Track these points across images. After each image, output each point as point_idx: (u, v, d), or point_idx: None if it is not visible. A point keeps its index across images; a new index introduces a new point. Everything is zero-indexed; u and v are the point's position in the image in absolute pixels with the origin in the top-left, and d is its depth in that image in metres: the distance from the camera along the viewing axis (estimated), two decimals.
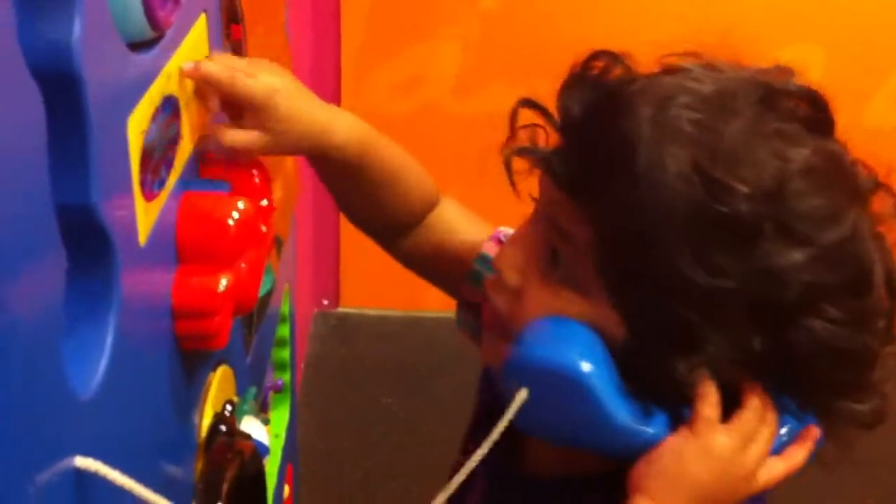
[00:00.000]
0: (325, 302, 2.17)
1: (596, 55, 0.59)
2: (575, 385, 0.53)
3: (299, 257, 1.81)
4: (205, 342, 0.54)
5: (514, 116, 0.61)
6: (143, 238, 0.47)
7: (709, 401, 0.53)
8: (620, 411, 0.53)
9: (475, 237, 0.73)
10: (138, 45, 0.47)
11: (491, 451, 0.61)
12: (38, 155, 0.35)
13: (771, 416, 0.55)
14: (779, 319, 0.52)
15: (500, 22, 1.90)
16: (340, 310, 2.18)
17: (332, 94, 1.96)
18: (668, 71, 0.57)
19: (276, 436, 1.08)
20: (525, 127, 0.60)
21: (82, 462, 0.39)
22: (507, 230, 0.70)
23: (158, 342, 0.51)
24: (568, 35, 1.79)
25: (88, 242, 0.41)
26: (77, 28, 0.38)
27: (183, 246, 0.53)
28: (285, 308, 1.04)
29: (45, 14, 0.38)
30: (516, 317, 0.57)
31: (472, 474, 0.69)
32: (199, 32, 0.57)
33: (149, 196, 0.48)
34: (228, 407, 0.61)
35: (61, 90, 0.38)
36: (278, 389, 1.05)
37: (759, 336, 0.52)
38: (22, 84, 0.34)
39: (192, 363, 0.59)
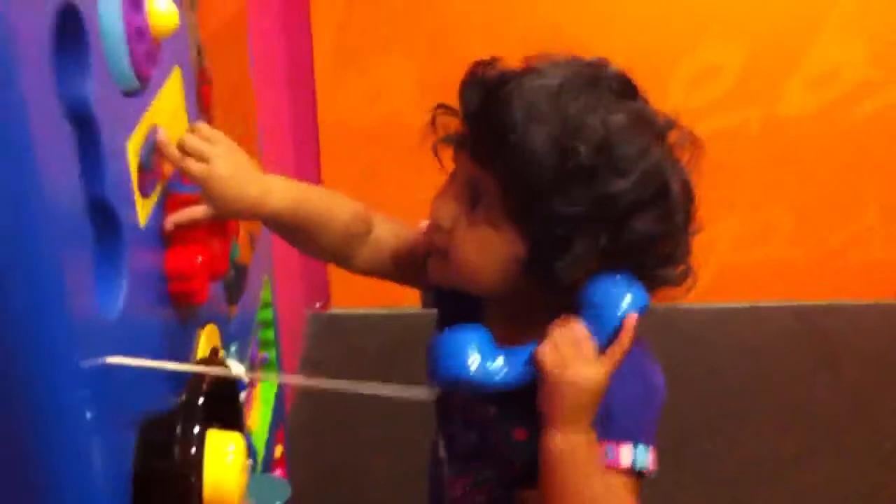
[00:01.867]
0: (318, 304, 2.41)
1: (479, 63, 0.84)
2: (467, 386, 0.80)
3: (290, 266, 2.04)
4: (190, 297, 0.77)
5: (434, 117, 0.86)
6: (142, 222, 0.70)
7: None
8: (499, 379, 0.79)
9: (414, 238, 0.95)
10: (131, 92, 0.70)
11: None
12: (73, 168, 0.58)
13: (559, 332, 0.79)
14: (615, 224, 0.78)
15: (448, 39, 2.14)
16: (332, 311, 2.41)
17: (308, 108, 2.20)
18: (528, 70, 0.81)
19: (266, 401, 1.31)
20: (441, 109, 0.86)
21: (112, 359, 0.62)
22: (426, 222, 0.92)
23: (159, 293, 0.74)
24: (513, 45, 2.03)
25: (106, 223, 0.64)
26: (91, 87, 0.61)
27: (171, 230, 0.76)
28: (267, 295, 1.27)
29: (71, 78, 0.60)
30: (451, 248, 0.82)
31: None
32: (174, 80, 0.80)
33: (145, 194, 0.71)
34: (214, 349, 0.83)
35: (84, 127, 0.60)
36: (265, 362, 1.27)
37: (604, 235, 0.78)
38: (59, 124, 0.57)
39: (186, 318, 0.81)
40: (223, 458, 0.68)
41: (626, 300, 0.78)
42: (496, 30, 2.13)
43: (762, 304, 2.46)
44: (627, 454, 0.82)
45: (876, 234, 2.41)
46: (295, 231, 0.89)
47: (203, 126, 0.82)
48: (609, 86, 0.80)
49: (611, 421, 0.81)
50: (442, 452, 0.99)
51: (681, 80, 2.15)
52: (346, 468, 1.90)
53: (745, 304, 2.45)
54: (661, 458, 0.85)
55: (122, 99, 0.67)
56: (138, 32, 0.66)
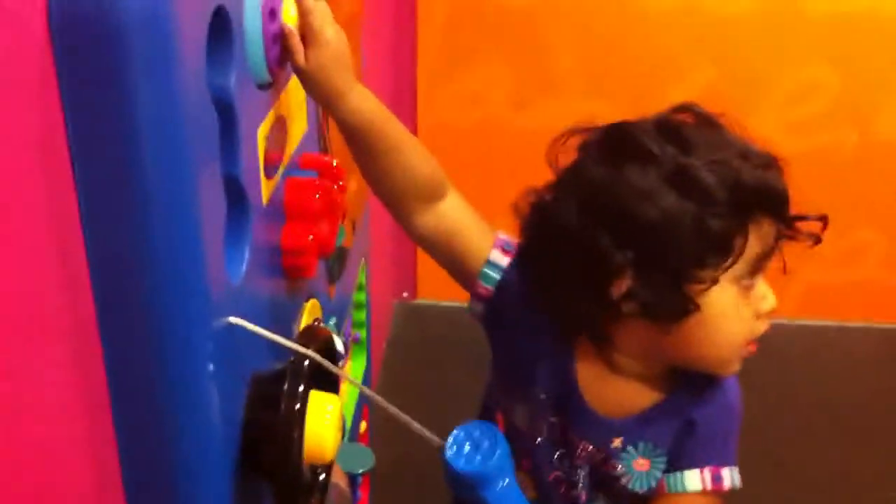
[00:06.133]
0: (405, 294, 2.50)
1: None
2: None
3: (383, 255, 2.13)
4: (301, 272, 0.85)
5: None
6: (265, 200, 0.78)
7: None
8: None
9: (481, 238, 0.94)
10: (264, 86, 0.79)
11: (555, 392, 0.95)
12: (214, 148, 0.67)
13: None
14: None
15: (547, 46, 2.20)
16: (418, 301, 2.51)
17: (409, 109, 2.29)
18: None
19: (354, 378, 1.39)
20: None
21: (234, 320, 0.70)
22: (504, 235, 0.95)
23: (274, 265, 0.83)
24: (604, 56, 2.09)
25: (237, 198, 0.72)
26: (233, 79, 0.70)
27: (288, 209, 0.84)
28: (362, 278, 1.35)
29: (218, 71, 0.69)
30: None
31: (543, 411, 0.98)
32: None
33: (269, 176, 0.79)
34: (317, 319, 0.92)
35: (225, 112, 0.69)
36: (357, 341, 1.36)
37: None
38: (208, 109, 0.65)
39: (294, 290, 0.90)
40: (323, 415, 0.76)
41: None
42: (592, 38, 2.18)
43: (849, 324, 2.45)
44: (728, 477, 0.92)
45: None
46: (367, 145, 0.86)
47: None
48: None
49: (711, 448, 0.92)
50: (532, 493, 1.02)
51: (778, 98, 2.17)
52: (424, 449, 1.98)
53: (832, 322, 2.45)
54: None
55: (255, 91, 0.76)
56: (274, 36, 0.75)
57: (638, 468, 0.95)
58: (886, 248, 2.36)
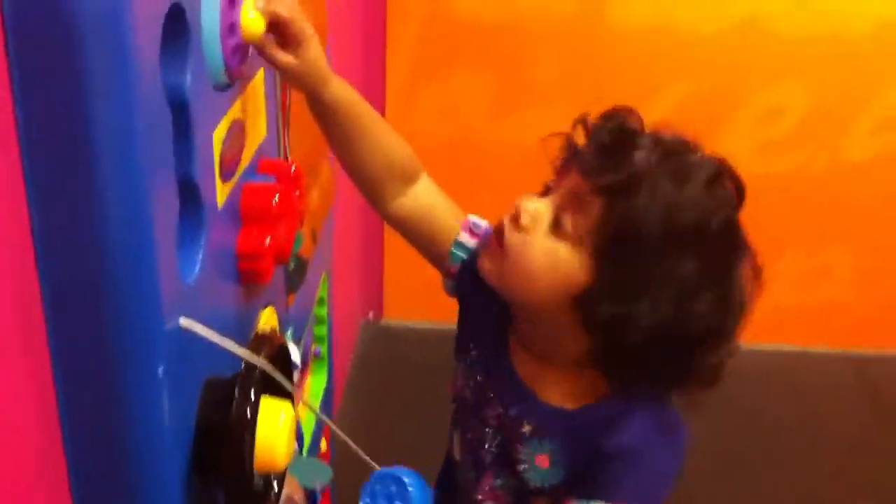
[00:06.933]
0: (371, 314, 2.49)
1: (622, 107, 0.87)
2: None
3: (348, 274, 2.12)
4: (256, 277, 0.85)
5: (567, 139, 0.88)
6: (220, 204, 0.78)
7: None
8: None
9: (452, 220, 0.98)
10: (221, 87, 0.78)
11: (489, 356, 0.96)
12: (168, 146, 0.66)
13: None
14: (679, 301, 0.80)
15: (522, 59, 2.22)
16: (384, 322, 2.50)
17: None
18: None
19: (315, 395, 1.38)
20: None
21: (185, 321, 0.69)
22: (475, 218, 0.98)
23: (230, 268, 0.82)
24: (580, 70, 2.11)
25: (190, 199, 0.71)
26: (188, 78, 0.69)
27: (245, 213, 0.83)
28: (323, 292, 1.34)
29: (173, 69, 0.68)
30: (521, 245, 0.84)
31: (473, 369, 0.98)
32: (258, 79, 0.88)
33: (225, 179, 0.79)
34: (272, 328, 0.91)
35: (180, 112, 0.68)
36: (317, 356, 1.35)
37: (669, 308, 0.80)
38: (162, 107, 0.65)
39: (250, 297, 0.89)
40: (275, 421, 0.75)
41: None
42: (568, 53, 2.20)
43: (813, 349, 2.47)
44: None
45: None
46: (348, 128, 0.91)
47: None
48: (721, 186, 0.84)
49: (624, 484, 0.86)
50: (458, 454, 1.03)
51: (748, 116, 2.20)
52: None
53: (797, 347, 2.47)
54: (692, 490, 0.90)
55: (213, 93, 0.76)
56: (231, 29, 0.75)
57: (539, 464, 0.93)
58: (852, 269, 2.39)
